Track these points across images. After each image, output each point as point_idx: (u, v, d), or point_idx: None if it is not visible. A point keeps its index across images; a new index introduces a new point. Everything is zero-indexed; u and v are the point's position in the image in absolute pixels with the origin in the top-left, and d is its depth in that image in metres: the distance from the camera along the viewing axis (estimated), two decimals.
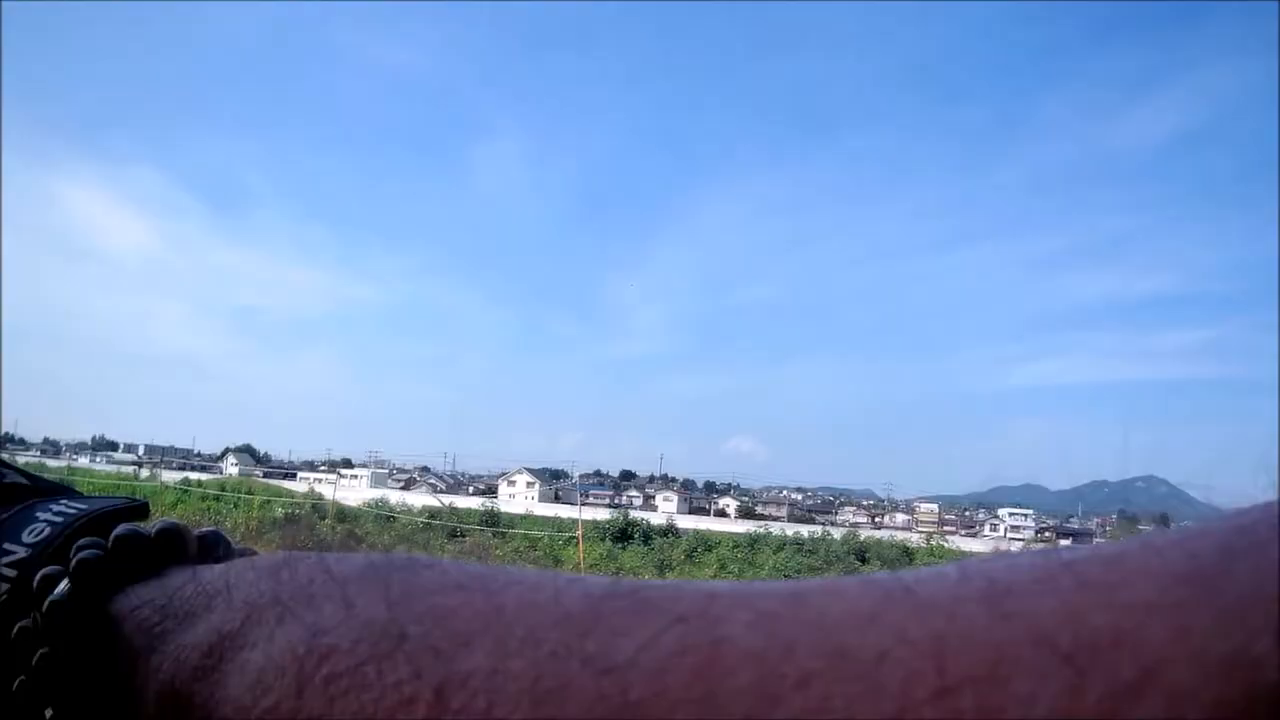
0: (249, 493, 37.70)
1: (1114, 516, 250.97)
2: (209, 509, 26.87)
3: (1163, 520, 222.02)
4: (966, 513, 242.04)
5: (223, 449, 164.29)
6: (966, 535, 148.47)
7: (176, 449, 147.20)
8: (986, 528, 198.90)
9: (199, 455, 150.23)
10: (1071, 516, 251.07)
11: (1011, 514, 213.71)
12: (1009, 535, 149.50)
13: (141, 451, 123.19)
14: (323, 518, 29.29)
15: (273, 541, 22.49)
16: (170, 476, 52.34)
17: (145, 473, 53.43)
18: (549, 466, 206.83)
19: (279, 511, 27.30)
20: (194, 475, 60.64)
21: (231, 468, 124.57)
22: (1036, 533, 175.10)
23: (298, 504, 32.49)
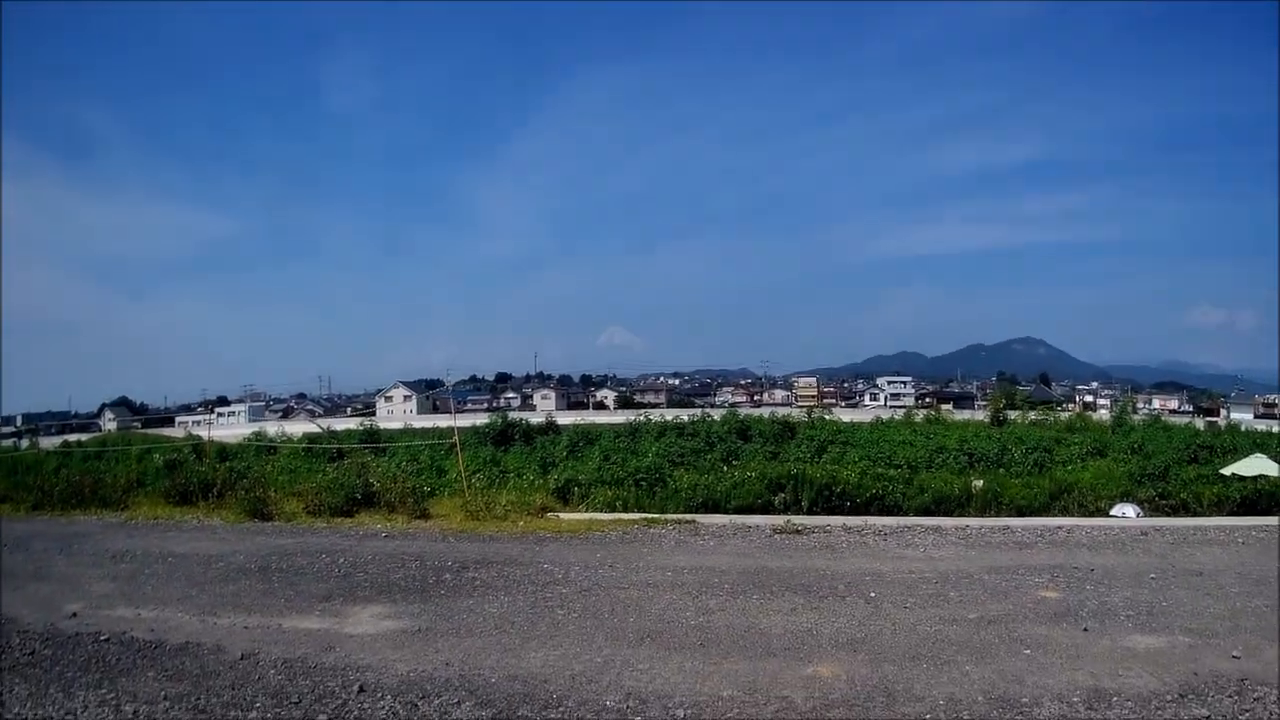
0: (128, 445, 38.64)
1: (993, 379, 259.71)
2: (90, 469, 27.74)
3: (1043, 380, 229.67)
4: (845, 384, 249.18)
5: (99, 405, 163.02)
6: (847, 406, 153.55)
7: (54, 413, 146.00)
8: (866, 397, 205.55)
9: (76, 416, 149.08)
10: (951, 381, 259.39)
11: (890, 382, 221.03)
12: (889, 403, 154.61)
13: (20, 422, 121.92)
14: (203, 459, 30.25)
15: (157, 492, 23.77)
16: (50, 442, 52.90)
17: (25, 443, 53.57)
18: (424, 378, 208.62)
19: (159, 460, 28.31)
20: (73, 437, 61.17)
21: (109, 423, 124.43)
22: (917, 399, 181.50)
23: (178, 449, 33.45)
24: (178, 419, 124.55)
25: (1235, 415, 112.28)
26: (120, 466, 27.32)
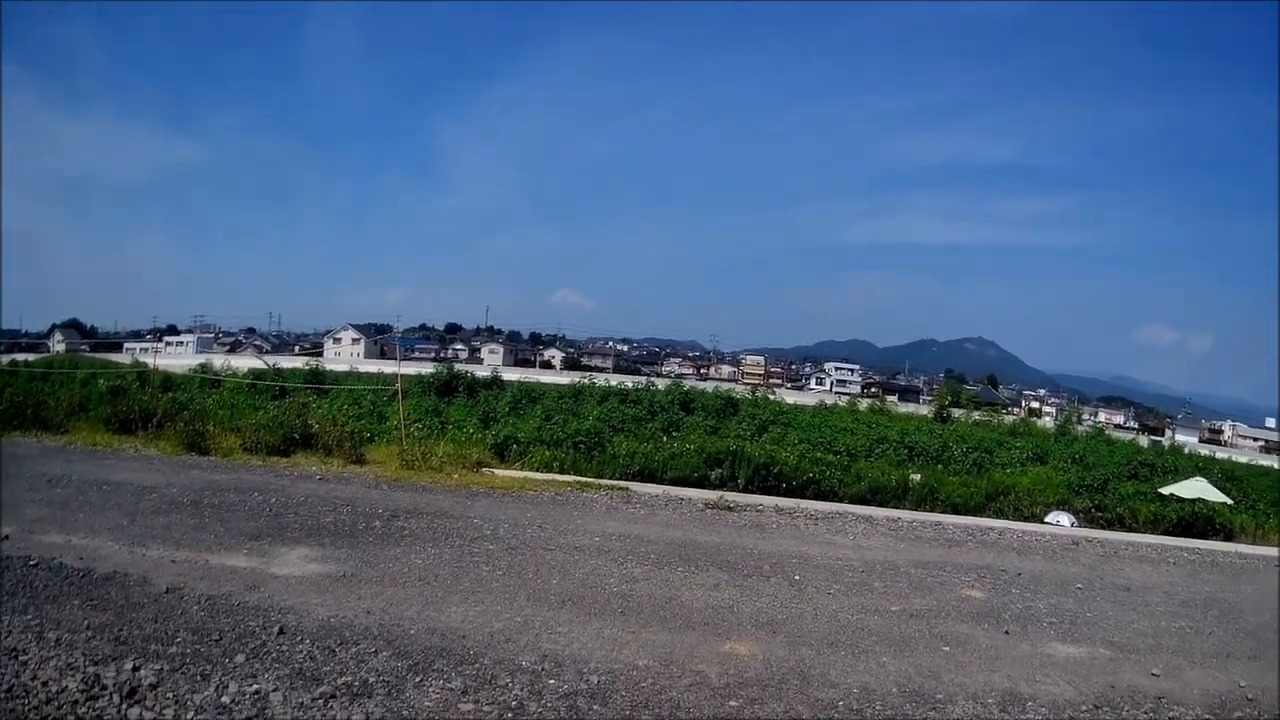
0: (75, 368, 38.35)
1: (941, 375, 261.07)
2: (34, 390, 27.48)
3: (991, 382, 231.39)
4: (793, 366, 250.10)
5: (49, 326, 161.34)
6: (793, 388, 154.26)
7: (4, 331, 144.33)
8: (813, 381, 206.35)
9: (26, 335, 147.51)
10: (899, 373, 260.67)
11: (838, 368, 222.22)
12: (835, 389, 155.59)
13: None
14: (147, 387, 30.04)
15: (99, 418, 23.64)
16: None
17: None
18: (374, 322, 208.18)
19: (103, 386, 28.09)
20: (21, 356, 60.57)
21: (58, 344, 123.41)
22: (863, 388, 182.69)
23: (122, 376, 33.21)
24: (126, 345, 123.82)
25: (1180, 437, 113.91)
26: (64, 390, 26.91)
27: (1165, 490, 28.04)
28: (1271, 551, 19.99)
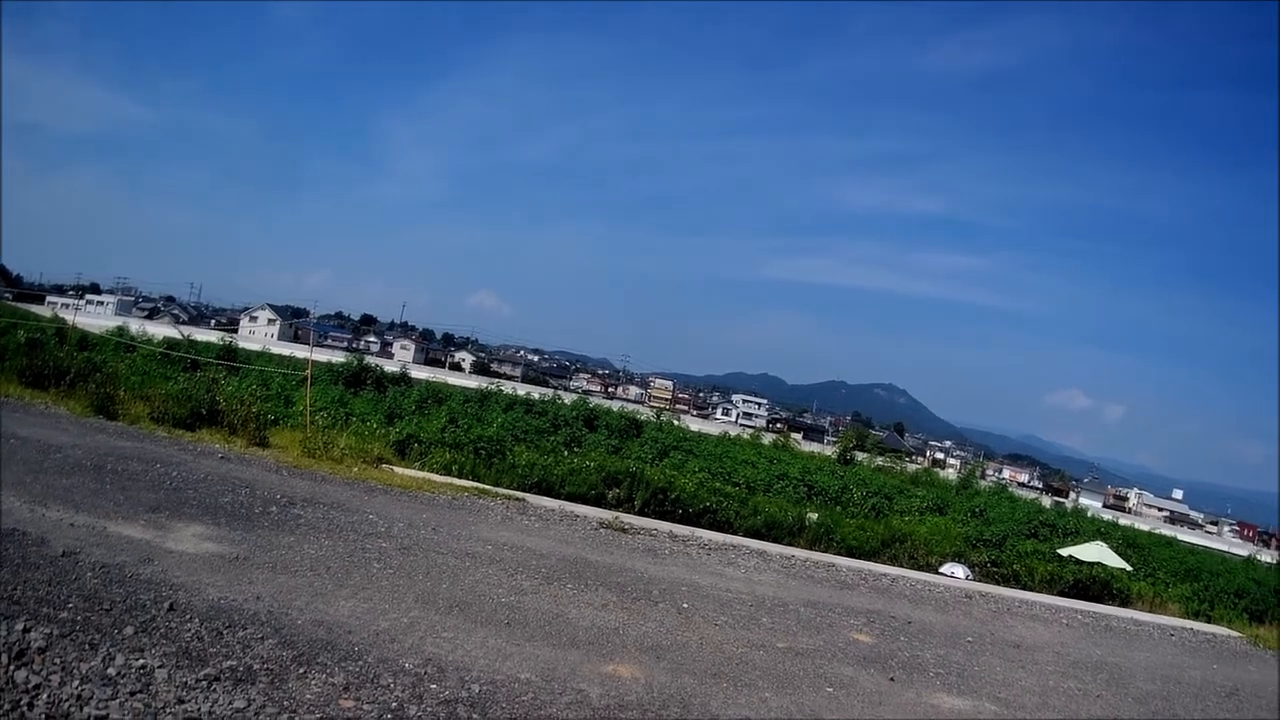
0: None
1: (849, 418, 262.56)
2: None
3: (898, 429, 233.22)
4: (701, 394, 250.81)
5: None
6: (699, 416, 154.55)
7: None
8: (719, 411, 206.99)
9: None
10: (806, 411, 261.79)
11: (746, 400, 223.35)
12: (740, 421, 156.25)
13: None
14: (64, 344, 29.86)
15: (14, 368, 23.49)
16: None
17: None
18: (292, 304, 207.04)
19: (21, 337, 27.88)
20: None
21: None
22: (769, 422, 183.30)
23: (42, 329, 32.90)
24: (48, 298, 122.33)
25: (1084, 500, 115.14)
26: None
27: (1064, 551, 28.31)
28: (1167, 620, 20.61)
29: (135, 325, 54.41)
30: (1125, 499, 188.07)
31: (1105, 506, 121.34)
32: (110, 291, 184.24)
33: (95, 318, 73.48)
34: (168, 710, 6.86)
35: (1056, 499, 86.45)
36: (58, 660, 7.32)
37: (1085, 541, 30.60)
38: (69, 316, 43.90)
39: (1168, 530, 69.68)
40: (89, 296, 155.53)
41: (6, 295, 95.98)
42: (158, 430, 19.94)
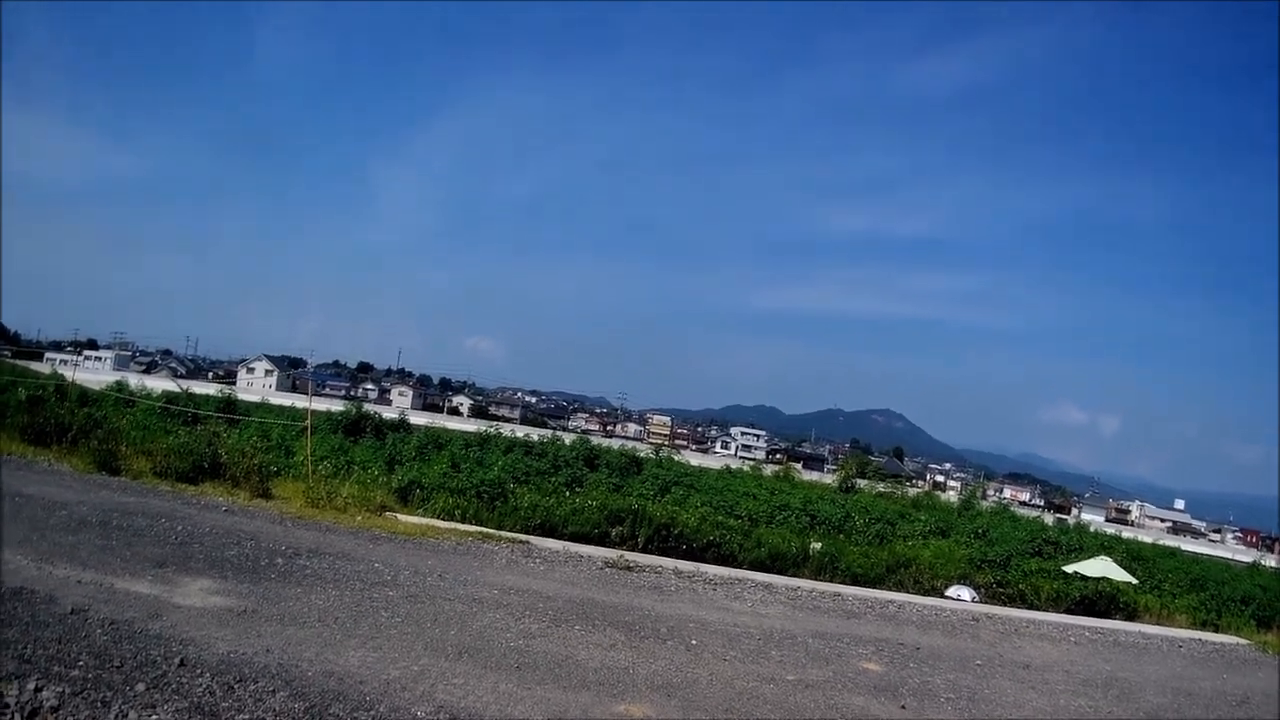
0: None
1: (847, 445, 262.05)
2: None
3: (897, 454, 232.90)
4: (700, 428, 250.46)
5: None
6: (698, 450, 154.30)
7: None
8: (719, 444, 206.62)
9: None
10: (805, 440, 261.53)
11: (744, 433, 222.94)
12: (740, 454, 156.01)
13: None
14: (64, 400, 29.93)
15: (15, 425, 23.55)
16: None
17: None
18: (288, 354, 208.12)
19: (23, 394, 27.98)
20: None
21: None
22: (769, 453, 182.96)
23: (42, 385, 32.95)
24: (47, 355, 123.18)
25: (1087, 515, 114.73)
26: None
27: (1069, 568, 28.17)
28: (1175, 632, 20.59)
29: (134, 380, 54.30)
30: (1127, 512, 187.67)
31: (1108, 521, 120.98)
32: (107, 347, 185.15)
33: (94, 373, 73.56)
34: None
35: (1059, 516, 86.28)
36: (71, 719, 7.31)
37: (1089, 557, 30.49)
38: (68, 373, 44.03)
39: (1171, 541, 69.66)
40: (87, 352, 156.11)
41: (5, 352, 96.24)
42: (161, 485, 19.98)
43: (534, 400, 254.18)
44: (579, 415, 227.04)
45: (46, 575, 11.25)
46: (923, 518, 40.12)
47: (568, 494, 27.83)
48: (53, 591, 10.55)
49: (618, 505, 25.73)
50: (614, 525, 24.60)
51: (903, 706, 11.06)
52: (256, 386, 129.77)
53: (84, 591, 10.81)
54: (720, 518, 28.37)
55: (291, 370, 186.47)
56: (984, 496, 79.92)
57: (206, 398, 49.25)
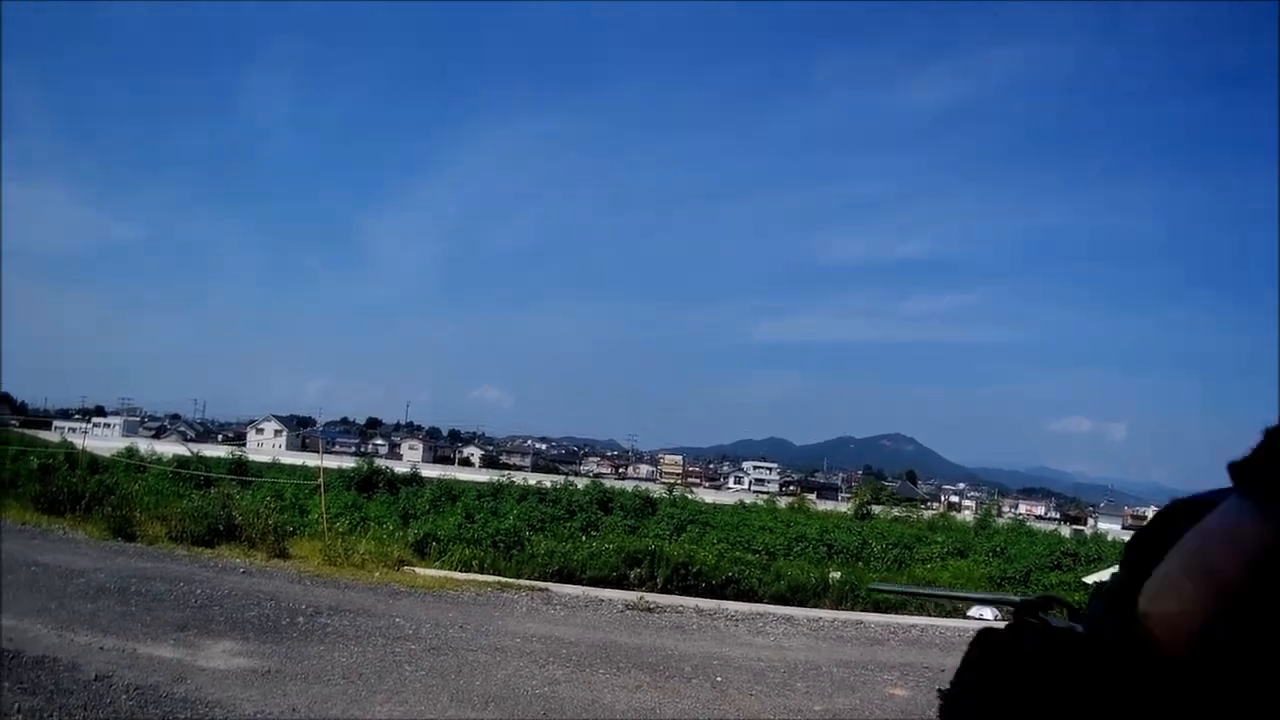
0: (5, 443, 37.96)
1: (860, 472, 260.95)
2: None
3: (910, 478, 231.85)
4: (711, 465, 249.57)
5: None
6: (711, 487, 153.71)
7: None
8: (731, 480, 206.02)
9: None
10: (817, 470, 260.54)
11: (756, 467, 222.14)
12: (753, 488, 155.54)
13: None
14: (75, 468, 29.99)
15: (28, 494, 23.59)
16: None
17: None
18: (296, 414, 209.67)
19: (34, 464, 28.06)
20: None
21: None
22: (781, 486, 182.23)
23: (52, 454, 33.04)
24: (55, 423, 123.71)
25: (1103, 525, 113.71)
26: None
27: (1090, 579, 27.93)
28: None
29: (144, 445, 54.29)
30: (1143, 519, 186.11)
31: (1124, 528, 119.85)
32: (115, 413, 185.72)
33: (103, 440, 73.46)
34: None
35: (1075, 527, 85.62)
36: None
37: (1109, 566, 30.32)
38: (77, 440, 44.16)
39: None
40: (95, 419, 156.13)
41: (13, 422, 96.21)
42: (177, 549, 19.97)
43: (544, 447, 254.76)
44: (590, 459, 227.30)
45: (68, 643, 11.23)
46: (940, 539, 39.97)
47: (584, 538, 27.73)
48: (75, 659, 10.53)
49: (634, 547, 25.61)
50: (632, 567, 24.49)
51: None
52: (267, 447, 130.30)
53: (107, 658, 10.79)
54: (738, 553, 28.23)
55: (301, 429, 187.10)
56: (999, 514, 79.56)
57: (217, 460, 49.17)
